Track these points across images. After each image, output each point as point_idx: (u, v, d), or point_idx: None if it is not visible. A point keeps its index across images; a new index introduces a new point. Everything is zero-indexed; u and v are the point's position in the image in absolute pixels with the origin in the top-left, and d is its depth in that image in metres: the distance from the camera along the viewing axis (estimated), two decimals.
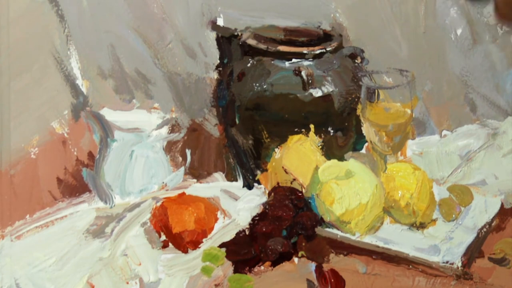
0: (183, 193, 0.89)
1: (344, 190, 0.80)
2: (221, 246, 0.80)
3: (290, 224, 0.80)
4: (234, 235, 0.81)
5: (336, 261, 0.79)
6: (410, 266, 0.77)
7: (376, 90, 0.85)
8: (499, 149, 0.93)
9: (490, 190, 0.89)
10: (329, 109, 0.88)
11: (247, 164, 0.92)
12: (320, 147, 0.88)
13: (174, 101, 0.91)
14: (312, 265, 0.78)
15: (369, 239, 0.79)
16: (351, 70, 0.90)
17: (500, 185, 0.89)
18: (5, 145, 0.85)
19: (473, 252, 0.78)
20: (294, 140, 0.88)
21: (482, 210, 0.85)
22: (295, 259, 0.79)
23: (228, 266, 0.78)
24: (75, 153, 0.89)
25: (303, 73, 0.86)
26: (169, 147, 0.92)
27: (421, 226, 0.82)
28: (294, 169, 0.87)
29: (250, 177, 0.93)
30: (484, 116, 1.00)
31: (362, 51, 0.91)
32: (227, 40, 0.91)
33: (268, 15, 0.90)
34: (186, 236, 0.81)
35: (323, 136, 0.89)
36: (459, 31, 0.91)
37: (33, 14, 0.85)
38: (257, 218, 0.82)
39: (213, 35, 0.91)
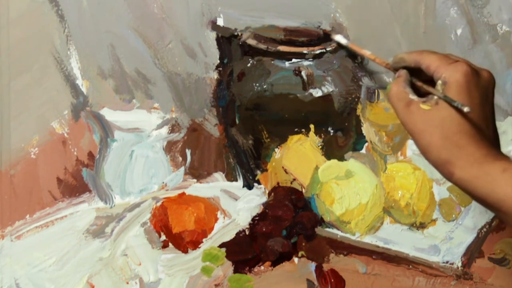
0: (183, 193, 0.89)
1: (344, 190, 0.80)
2: (221, 246, 0.80)
3: (290, 224, 0.80)
4: (234, 235, 0.81)
5: (336, 261, 0.79)
6: (410, 266, 0.77)
7: (376, 90, 0.85)
8: None
9: None
10: (329, 109, 0.88)
11: (247, 164, 0.92)
12: (320, 147, 0.88)
13: (174, 101, 0.91)
14: (312, 265, 0.78)
15: (369, 239, 0.79)
16: (351, 70, 0.90)
17: None
18: (5, 145, 0.85)
19: (473, 252, 0.78)
20: (294, 140, 0.88)
21: (482, 210, 0.85)
22: (295, 259, 0.79)
23: (228, 266, 0.78)
24: (75, 153, 0.88)
25: (303, 73, 0.86)
26: (169, 147, 0.92)
27: (421, 226, 0.82)
28: (294, 169, 0.87)
29: (250, 177, 0.93)
30: None
31: None
32: (227, 40, 0.91)
33: (268, 15, 0.90)
34: (186, 236, 0.81)
35: (323, 136, 0.89)
36: (459, 31, 0.91)
37: (33, 14, 0.85)
38: (257, 218, 0.82)
39: (213, 35, 0.90)
